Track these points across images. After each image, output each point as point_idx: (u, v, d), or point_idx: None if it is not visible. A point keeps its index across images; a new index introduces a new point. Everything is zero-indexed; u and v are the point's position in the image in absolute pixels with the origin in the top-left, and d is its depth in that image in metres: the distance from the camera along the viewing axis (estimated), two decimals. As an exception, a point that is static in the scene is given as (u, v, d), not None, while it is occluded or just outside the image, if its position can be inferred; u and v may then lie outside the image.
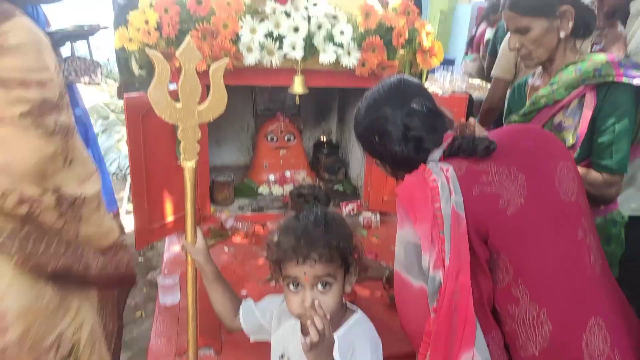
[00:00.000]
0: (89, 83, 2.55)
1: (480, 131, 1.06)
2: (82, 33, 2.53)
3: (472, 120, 1.08)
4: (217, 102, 1.00)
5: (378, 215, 2.09)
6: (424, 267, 0.85)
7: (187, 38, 0.94)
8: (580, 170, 1.26)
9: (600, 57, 1.37)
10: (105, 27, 2.57)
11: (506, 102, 1.73)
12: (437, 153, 0.99)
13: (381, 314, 1.40)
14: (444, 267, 0.82)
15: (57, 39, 2.42)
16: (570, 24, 1.35)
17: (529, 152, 0.97)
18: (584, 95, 1.35)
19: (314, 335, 0.84)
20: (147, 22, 1.61)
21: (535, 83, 1.55)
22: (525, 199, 0.89)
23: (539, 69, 1.54)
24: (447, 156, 0.98)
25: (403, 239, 0.93)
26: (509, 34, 1.49)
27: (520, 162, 0.93)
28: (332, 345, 0.89)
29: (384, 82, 1.11)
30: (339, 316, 0.99)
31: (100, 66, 2.60)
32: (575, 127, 1.37)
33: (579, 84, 1.35)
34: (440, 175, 0.89)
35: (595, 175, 1.37)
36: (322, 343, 0.85)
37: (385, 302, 1.49)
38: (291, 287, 0.96)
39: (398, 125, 1.01)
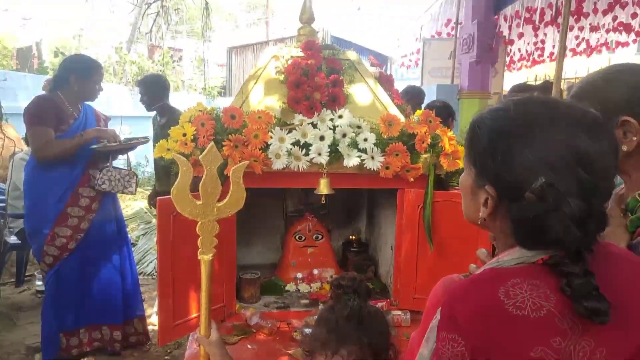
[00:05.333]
0: (122, 192, 2.75)
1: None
2: (126, 147, 2.77)
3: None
4: (236, 200, 1.10)
5: (408, 314, 2.04)
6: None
7: (211, 143, 1.07)
8: None
9: None
10: (146, 139, 2.82)
11: None
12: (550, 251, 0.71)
13: None
14: None
15: (101, 154, 2.65)
16: (635, 138, 1.05)
17: (624, 332, 0.70)
18: None
19: None
20: (184, 135, 1.82)
21: (619, 192, 1.27)
22: None
23: None
24: (549, 262, 0.70)
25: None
26: None
27: (611, 340, 0.69)
28: None
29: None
30: None
31: (137, 176, 2.83)
32: None
33: None
34: None
35: None
36: None
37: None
38: None
39: (580, 196, 0.66)
